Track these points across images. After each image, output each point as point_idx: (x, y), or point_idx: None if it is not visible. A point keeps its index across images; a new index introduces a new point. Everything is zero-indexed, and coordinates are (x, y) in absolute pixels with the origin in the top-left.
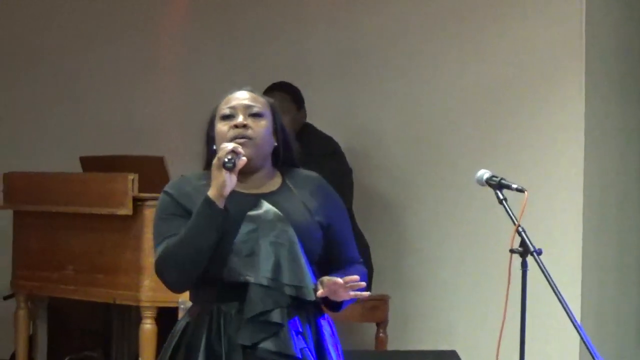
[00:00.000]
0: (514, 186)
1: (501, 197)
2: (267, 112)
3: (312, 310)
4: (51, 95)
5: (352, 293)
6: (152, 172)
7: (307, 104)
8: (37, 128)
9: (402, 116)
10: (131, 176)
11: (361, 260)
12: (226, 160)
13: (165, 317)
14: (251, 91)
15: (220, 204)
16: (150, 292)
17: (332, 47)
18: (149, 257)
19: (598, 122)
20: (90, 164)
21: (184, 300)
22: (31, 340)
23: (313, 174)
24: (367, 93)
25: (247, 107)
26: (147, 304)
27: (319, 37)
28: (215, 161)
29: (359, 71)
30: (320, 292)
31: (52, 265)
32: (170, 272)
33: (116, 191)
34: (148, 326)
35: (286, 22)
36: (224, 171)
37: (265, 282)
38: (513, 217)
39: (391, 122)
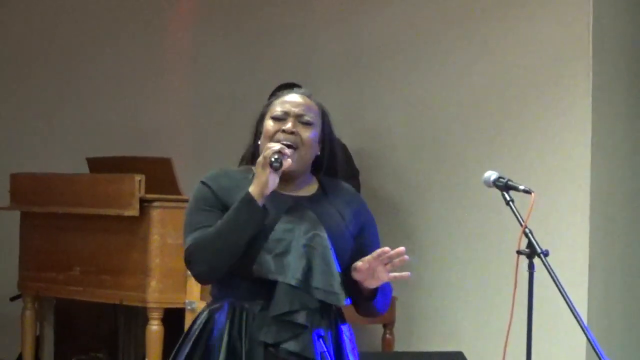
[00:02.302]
0: (521, 187)
1: (508, 198)
2: (318, 121)
3: (335, 315)
4: (58, 96)
5: (392, 275)
6: (159, 174)
7: None
8: (44, 129)
9: (408, 117)
10: (138, 177)
11: None
12: (273, 159)
13: (172, 318)
14: (307, 96)
15: (260, 202)
16: (157, 293)
17: (338, 48)
18: (155, 258)
19: (605, 123)
20: (97, 165)
21: (191, 301)
22: (38, 341)
23: (348, 185)
24: (374, 94)
25: (300, 115)
26: (154, 305)
27: (325, 37)
28: (260, 159)
29: (365, 72)
30: (359, 269)
31: (58, 266)
32: (200, 263)
33: (123, 192)
34: (155, 327)
35: (293, 22)
36: (268, 170)
37: (294, 282)
38: (520, 219)
39: (398, 124)
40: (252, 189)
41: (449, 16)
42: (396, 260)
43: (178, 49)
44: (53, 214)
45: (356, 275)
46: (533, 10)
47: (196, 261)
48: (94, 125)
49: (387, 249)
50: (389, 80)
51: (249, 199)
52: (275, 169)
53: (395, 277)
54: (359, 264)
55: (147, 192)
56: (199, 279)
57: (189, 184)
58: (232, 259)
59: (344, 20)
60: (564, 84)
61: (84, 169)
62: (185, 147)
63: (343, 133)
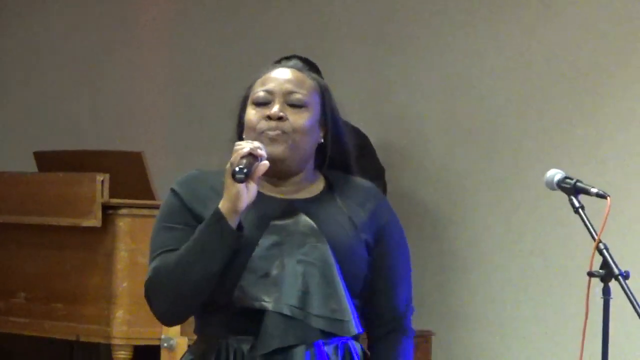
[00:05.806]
0: (594, 190)
1: (577, 204)
2: (314, 100)
3: (349, 351)
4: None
5: None
6: (128, 172)
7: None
8: None
9: (449, 101)
10: (100, 177)
11: (408, 316)
12: (237, 169)
13: (144, 358)
14: (298, 69)
15: (233, 221)
16: (124, 326)
17: (358, 12)
18: (122, 282)
19: None
20: (47, 161)
21: (168, 337)
22: None
23: (365, 181)
24: (405, 71)
25: (288, 93)
26: (121, 342)
27: None
28: (227, 165)
29: (393, 42)
30: None
31: None
32: (159, 300)
33: (81, 196)
34: None
35: None
36: None
37: (287, 310)
38: (592, 231)
39: (435, 109)
40: (222, 204)
41: None
42: None
43: (154, 12)
44: None
45: None
46: None
47: (154, 298)
48: (45, 111)
49: None
50: (424, 53)
51: (217, 217)
52: (239, 181)
53: None
54: None
55: (112, 195)
56: (161, 319)
57: (167, 186)
58: (199, 294)
59: None
60: None
61: (32, 166)
62: (160, 137)
63: (364, 121)
